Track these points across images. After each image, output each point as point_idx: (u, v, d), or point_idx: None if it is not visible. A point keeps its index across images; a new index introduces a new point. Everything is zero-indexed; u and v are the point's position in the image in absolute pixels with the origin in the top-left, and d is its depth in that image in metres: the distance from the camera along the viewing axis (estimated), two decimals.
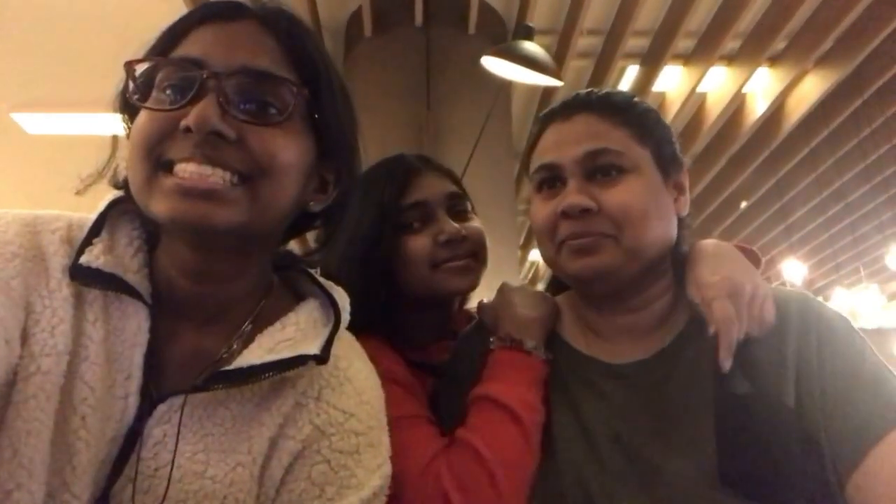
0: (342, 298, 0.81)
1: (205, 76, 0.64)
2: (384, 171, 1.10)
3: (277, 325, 0.73)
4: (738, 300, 0.82)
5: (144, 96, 0.67)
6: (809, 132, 5.94)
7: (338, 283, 0.83)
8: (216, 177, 0.63)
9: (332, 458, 0.71)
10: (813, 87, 5.10)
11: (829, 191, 7.10)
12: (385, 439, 0.78)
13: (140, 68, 0.68)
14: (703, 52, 4.74)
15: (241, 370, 0.68)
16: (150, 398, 0.67)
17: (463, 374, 0.96)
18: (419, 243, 1.04)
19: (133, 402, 0.66)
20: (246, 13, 0.71)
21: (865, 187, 7.17)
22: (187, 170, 0.63)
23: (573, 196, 0.85)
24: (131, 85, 0.68)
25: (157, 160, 0.64)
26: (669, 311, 0.92)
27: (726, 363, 0.79)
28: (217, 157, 0.63)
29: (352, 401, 0.74)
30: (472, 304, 1.19)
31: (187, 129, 0.62)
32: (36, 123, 5.40)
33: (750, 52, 4.74)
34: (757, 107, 5.37)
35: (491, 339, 0.95)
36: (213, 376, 0.68)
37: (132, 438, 0.66)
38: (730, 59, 4.95)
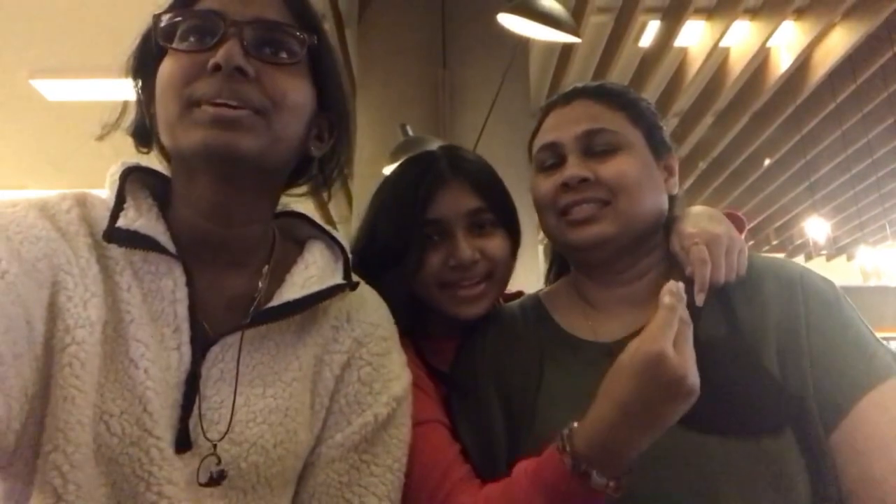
0: (342, 238, 0.91)
1: (227, 24, 0.74)
2: (412, 175, 1.09)
3: (301, 264, 0.85)
4: (715, 248, 0.91)
5: (169, 42, 0.75)
6: (836, 87, 5.79)
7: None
8: (239, 109, 0.72)
9: (372, 360, 0.87)
10: (840, 41, 4.95)
11: (855, 147, 6.94)
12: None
13: (166, 19, 0.76)
14: (725, 6, 4.62)
15: (287, 304, 0.79)
16: (199, 343, 0.75)
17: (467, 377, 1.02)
18: (432, 260, 1.05)
19: (186, 350, 0.74)
20: None
21: (893, 143, 7.01)
22: (216, 102, 0.71)
23: (573, 168, 0.95)
24: (158, 32, 0.76)
25: (187, 99, 0.72)
26: (663, 282, 0.95)
27: (700, 298, 0.88)
28: (240, 91, 0.72)
29: (374, 314, 0.90)
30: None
31: (216, 67, 0.71)
32: (55, 90, 5.43)
33: (774, 5, 4.61)
34: (781, 61, 5.24)
35: None
36: (261, 314, 0.78)
37: (193, 381, 0.74)
38: (753, 13, 4.82)
